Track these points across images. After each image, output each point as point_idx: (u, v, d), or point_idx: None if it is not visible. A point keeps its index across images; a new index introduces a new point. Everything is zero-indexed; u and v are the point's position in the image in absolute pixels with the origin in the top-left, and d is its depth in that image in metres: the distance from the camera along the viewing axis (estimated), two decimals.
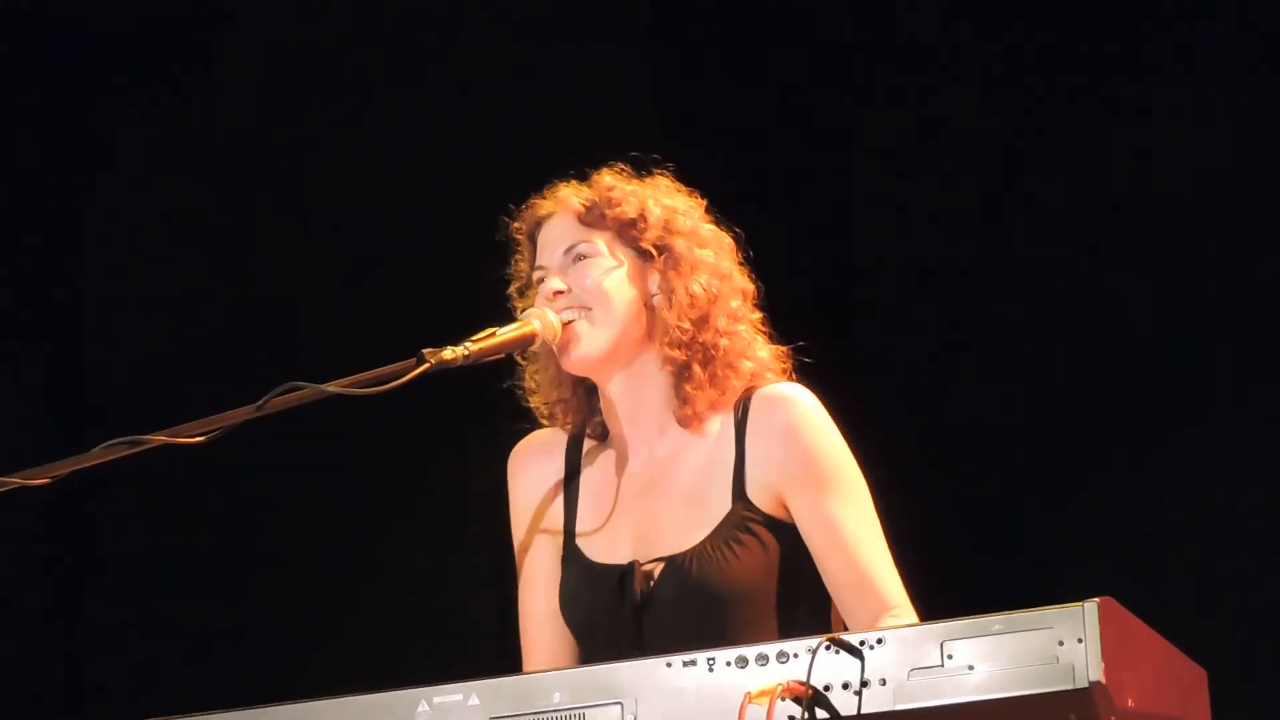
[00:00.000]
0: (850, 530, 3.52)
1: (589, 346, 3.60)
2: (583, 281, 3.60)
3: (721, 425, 3.61)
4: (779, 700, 2.79)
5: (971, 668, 2.77)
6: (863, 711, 2.79)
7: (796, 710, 2.80)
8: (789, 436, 3.55)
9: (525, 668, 3.71)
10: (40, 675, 6.13)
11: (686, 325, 3.59)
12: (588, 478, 3.71)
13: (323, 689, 3.04)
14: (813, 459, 3.54)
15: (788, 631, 3.53)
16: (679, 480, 3.61)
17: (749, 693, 2.81)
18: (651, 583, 3.55)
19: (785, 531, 3.55)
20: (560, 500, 3.71)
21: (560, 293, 3.60)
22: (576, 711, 2.89)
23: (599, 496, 3.68)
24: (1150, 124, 5.33)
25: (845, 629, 3.56)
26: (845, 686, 2.80)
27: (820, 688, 2.81)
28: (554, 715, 2.90)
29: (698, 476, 3.60)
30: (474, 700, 2.93)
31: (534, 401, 3.74)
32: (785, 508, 3.55)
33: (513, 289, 3.73)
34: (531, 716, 2.90)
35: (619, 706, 2.87)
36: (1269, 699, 5.07)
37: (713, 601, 3.51)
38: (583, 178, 3.71)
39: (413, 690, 2.95)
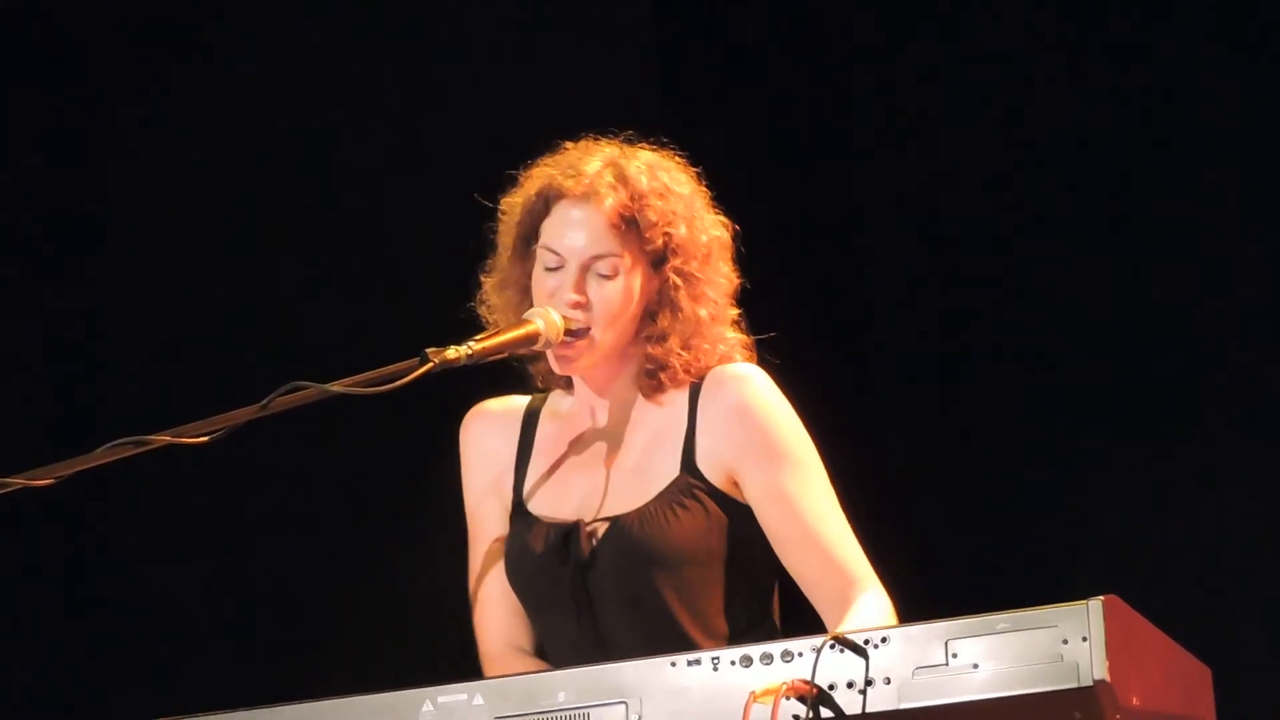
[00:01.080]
0: (805, 505, 3.54)
1: (584, 363, 3.64)
2: (601, 303, 3.60)
3: (677, 397, 3.64)
4: (784, 699, 2.79)
5: (976, 666, 2.77)
6: (867, 710, 2.79)
7: (801, 709, 2.81)
8: (741, 413, 3.57)
9: (479, 636, 3.73)
10: (42, 677, 6.13)
11: (684, 348, 3.63)
12: (541, 440, 3.74)
13: (327, 689, 3.04)
14: (764, 435, 3.56)
15: (733, 613, 3.56)
16: (631, 448, 3.65)
17: (754, 692, 2.81)
18: (595, 541, 3.57)
19: (733, 507, 3.57)
20: (512, 463, 3.74)
21: (579, 304, 3.60)
22: (581, 711, 2.89)
23: (550, 458, 3.71)
24: (1157, 118, 5.33)
25: (774, 610, 3.61)
26: (850, 685, 2.81)
27: (825, 687, 2.81)
28: (558, 715, 2.90)
29: (649, 444, 3.64)
30: (478, 700, 2.93)
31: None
32: (736, 485, 3.58)
33: (502, 224, 3.70)
34: (536, 716, 2.90)
35: (624, 706, 2.88)
36: (1274, 697, 5.07)
37: (653, 562, 3.53)
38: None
39: (417, 690, 2.96)
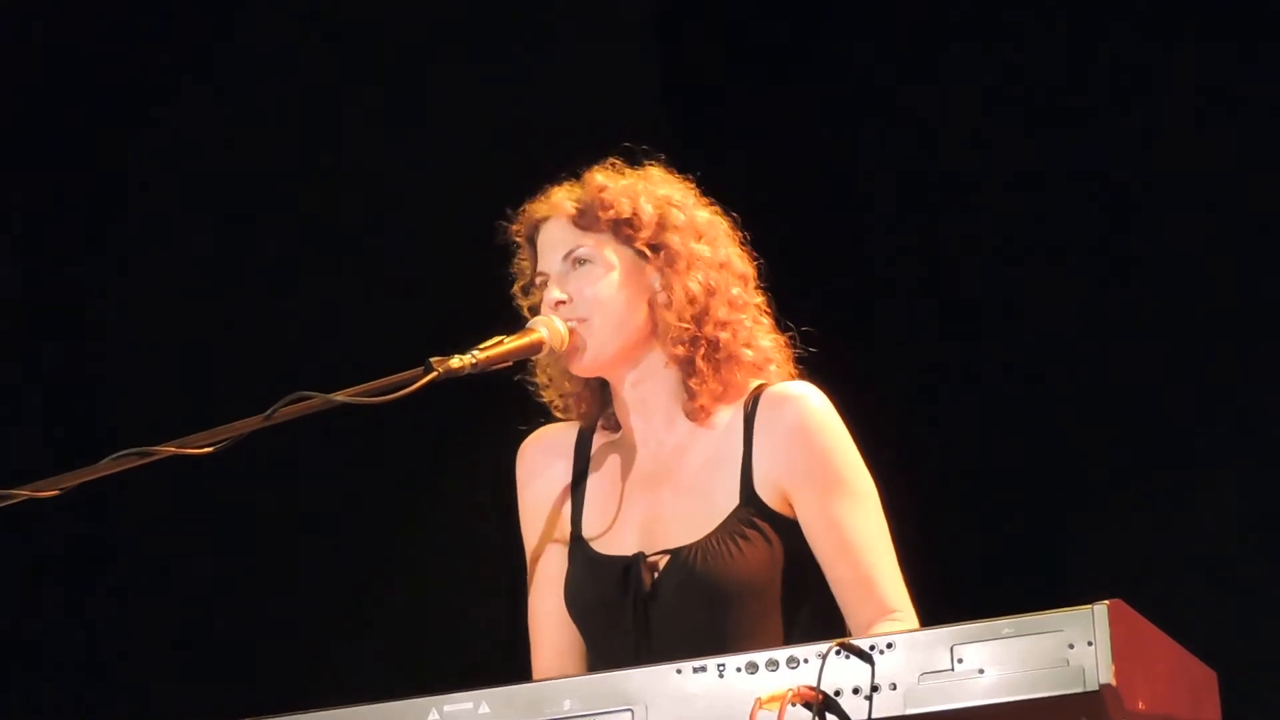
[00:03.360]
0: (854, 532, 3.52)
1: (593, 354, 3.62)
2: (582, 290, 3.61)
3: (730, 420, 3.62)
4: (789, 706, 2.79)
5: (982, 671, 2.76)
6: (873, 716, 2.79)
7: (807, 716, 2.80)
8: (797, 435, 3.56)
9: (534, 668, 3.72)
10: (42, 681, 6.13)
11: (687, 323, 3.61)
12: (596, 471, 3.72)
13: (334, 698, 3.04)
14: (820, 459, 3.55)
15: (791, 631, 3.55)
16: (686, 474, 3.63)
17: (759, 698, 2.80)
18: (656, 575, 3.56)
19: (791, 530, 3.56)
20: (568, 495, 3.72)
21: (562, 303, 3.61)
22: (587, 719, 2.89)
23: (607, 490, 3.69)
24: (1157, 121, 5.34)
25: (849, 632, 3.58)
26: (856, 691, 2.80)
27: (831, 693, 2.81)
28: None
29: (705, 470, 3.61)
30: (484, 708, 2.93)
31: (547, 395, 3.75)
32: (791, 506, 3.56)
33: (516, 287, 3.74)
34: None
35: (629, 713, 2.87)
36: None
37: (716, 596, 3.52)
38: (579, 177, 3.71)
39: (423, 699, 2.95)
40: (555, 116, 5.76)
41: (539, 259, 3.67)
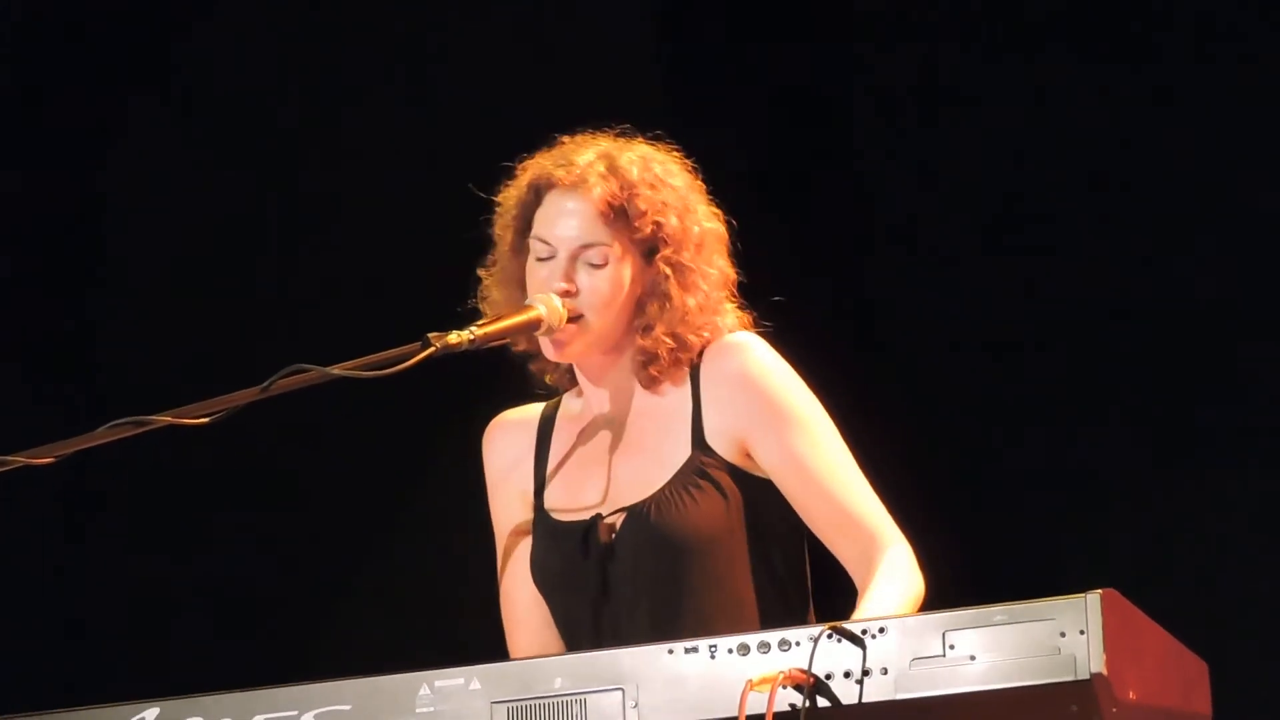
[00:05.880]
0: (818, 465, 3.53)
1: (576, 349, 3.62)
2: (591, 290, 3.59)
3: (679, 382, 3.64)
4: (780, 688, 2.80)
5: (973, 658, 2.77)
6: (864, 700, 2.79)
7: (798, 698, 2.81)
8: (743, 380, 3.57)
9: (510, 649, 3.73)
10: (34, 658, 6.13)
11: (669, 336, 3.62)
12: (557, 447, 3.73)
13: (324, 672, 3.04)
14: (768, 400, 3.55)
15: (760, 582, 3.56)
16: (642, 436, 3.64)
17: (750, 680, 2.81)
18: (613, 534, 3.57)
19: (748, 481, 3.57)
20: (531, 473, 3.73)
21: (569, 293, 3.60)
22: (578, 697, 2.89)
23: (568, 463, 3.71)
24: (1167, 109, 5.33)
25: (806, 574, 3.60)
26: (847, 675, 2.81)
27: (822, 676, 2.81)
28: (555, 700, 2.90)
29: (657, 428, 3.63)
30: (475, 685, 2.93)
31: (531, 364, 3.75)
32: (749, 456, 3.57)
33: (498, 220, 3.70)
34: (532, 701, 2.90)
35: (620, 692, 2.88)
36: (1271, 692, 5.07)
37: (672, 547, 3.53)
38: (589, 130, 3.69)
39: (414, 674, 2.96)
40: (553, 93, 5.75)
41: (545, 223, 3.63)
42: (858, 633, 2.81)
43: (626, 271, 3.61)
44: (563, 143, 3.70)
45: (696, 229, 3.65)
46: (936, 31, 5.59)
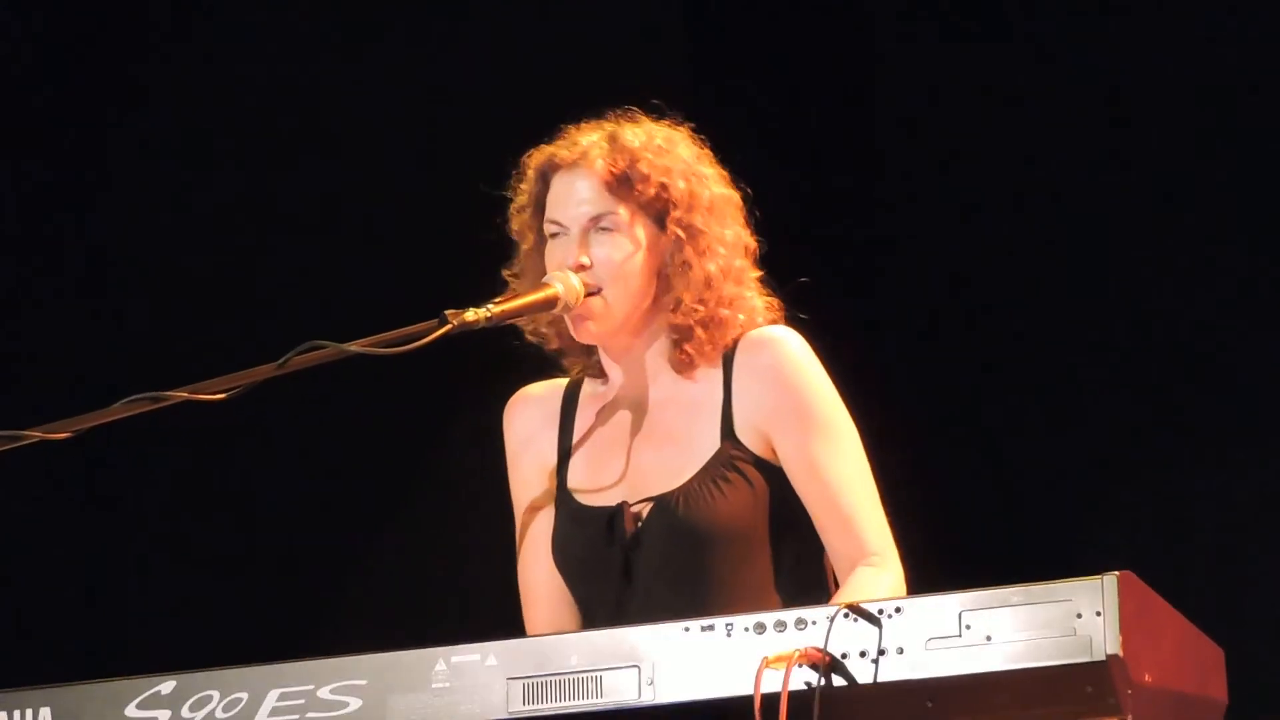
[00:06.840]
0: (833, 473, 3.54)
1: (602, 325, 3.62)
2: (605, 260, 3.59)
3: (711, 370, 3.64)
4: (796, 666, 2.80)
5: (989, 638, 2.77)
6: (879, 680, 2.79)
7: (814, 677, 2.81)
8: (775, 376, 3.57)
9: (527, 626, 3.73)
10: (56, 628, 6.15)
11: (699, 304, 3.61)
12: (582, 427, 3.73)
13: (341, 646, 3.04)
14: (797, 399, 3.56)
15: (779, 575, 3.56)
16: (669, 423, 3.64)
17: (766, 658, 2.81)
18: (639, 523, 3.57)
19: (774, 474, 3.57)
20: (554, 451, 3.73)
21: (584, 267, 3.59)
22: (594, 674, 2.89)
23: (593, 444, 3.70)
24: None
25: (828, 573, 3.60)
26: (863, 654, 2.81)
27: (838, 655, 2.81)
28: (571, 677, 2.90)
29: (686, 418, 3.62)
30: (491, 660, 2.93)
31: (545, 344, 3.74)
32: (773, 449, 3.57)
33: (513, 209, 3.71)
34: (548, 678, 2.90)
35: (636, 670, 2.88)
36: None
37: (700, 540, 3.53)
38: (593, 118, 3.69)
39: (431, 649, 2.96)
40: (570, 83, 5.74)
41: (555, 205, 3.64)
42: (874, 612, 2.81)
43: (639, 235, 3.61)
44: (567, 130, 3.71)
45: (706, 193, 3.64)
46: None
